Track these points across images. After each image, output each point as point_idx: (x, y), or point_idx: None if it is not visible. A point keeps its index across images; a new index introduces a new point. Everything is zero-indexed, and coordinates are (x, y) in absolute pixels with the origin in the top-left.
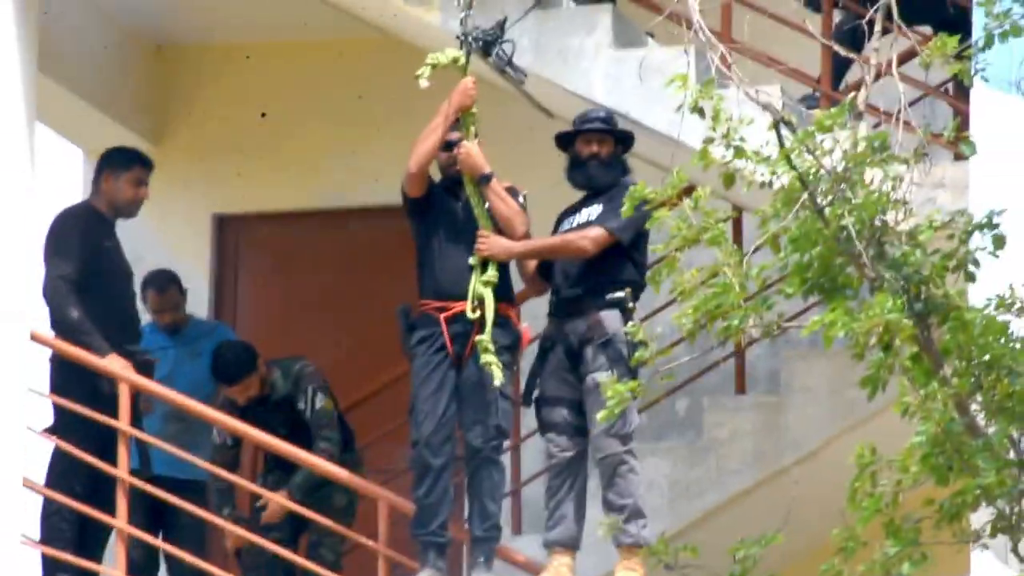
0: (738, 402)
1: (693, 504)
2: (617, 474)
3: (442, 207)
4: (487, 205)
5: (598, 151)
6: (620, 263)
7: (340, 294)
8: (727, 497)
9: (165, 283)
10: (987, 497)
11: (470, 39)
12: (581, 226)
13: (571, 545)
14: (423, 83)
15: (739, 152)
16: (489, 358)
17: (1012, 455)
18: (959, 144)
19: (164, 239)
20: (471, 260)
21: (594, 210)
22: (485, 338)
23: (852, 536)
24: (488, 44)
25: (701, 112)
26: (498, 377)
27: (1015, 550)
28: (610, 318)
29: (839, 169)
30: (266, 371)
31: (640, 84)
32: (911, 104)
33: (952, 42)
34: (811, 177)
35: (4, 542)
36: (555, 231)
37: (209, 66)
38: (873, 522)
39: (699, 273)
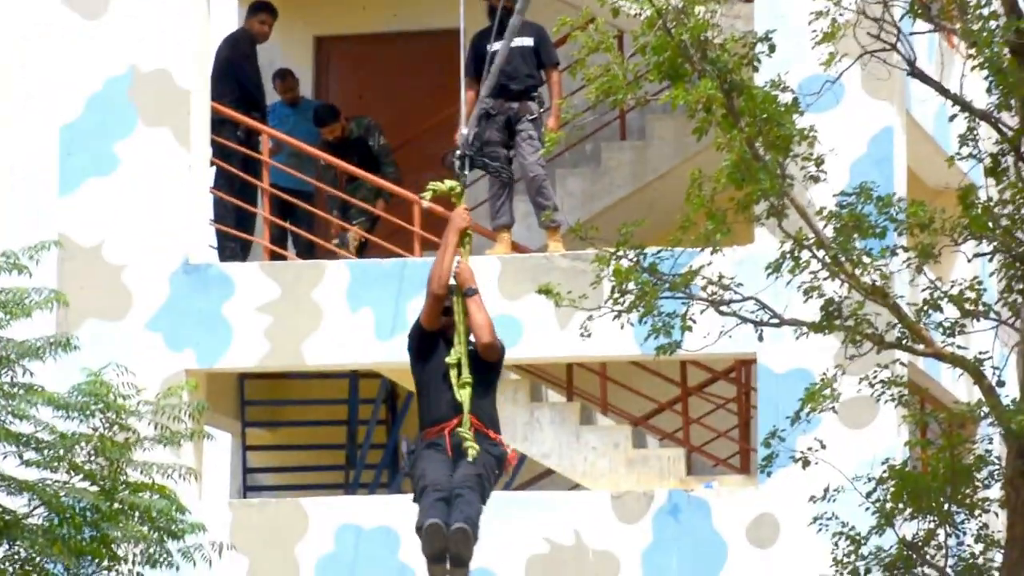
0: (621, 145)
1: (595, 204)
2: (543, 186)
3: (439, 353)
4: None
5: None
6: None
7: (395, 84)
8: (615, 200)
9: (287, 74)
10: (764, 196)
11: (465, 171)
12: (519, 48)
13: (510, 226)
14: (425, 203)
15: None
16: (467, 443)
17: (779, 172)
18: None
19: (284, 51)
20: (448, 359)
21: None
22: (462, 429)
23: (687, 219)
24: (473, 160)
25: None
26: (471, 454)
27: (780, 226)
28: (534, 106)
29: (680, 5)
30: (345, 122)
31: None
32: None
33: None
34: (663, 11)
35: (202, 221)
36: (487, 59)
37: None
38: (700, 211)
39: (599, 68)
